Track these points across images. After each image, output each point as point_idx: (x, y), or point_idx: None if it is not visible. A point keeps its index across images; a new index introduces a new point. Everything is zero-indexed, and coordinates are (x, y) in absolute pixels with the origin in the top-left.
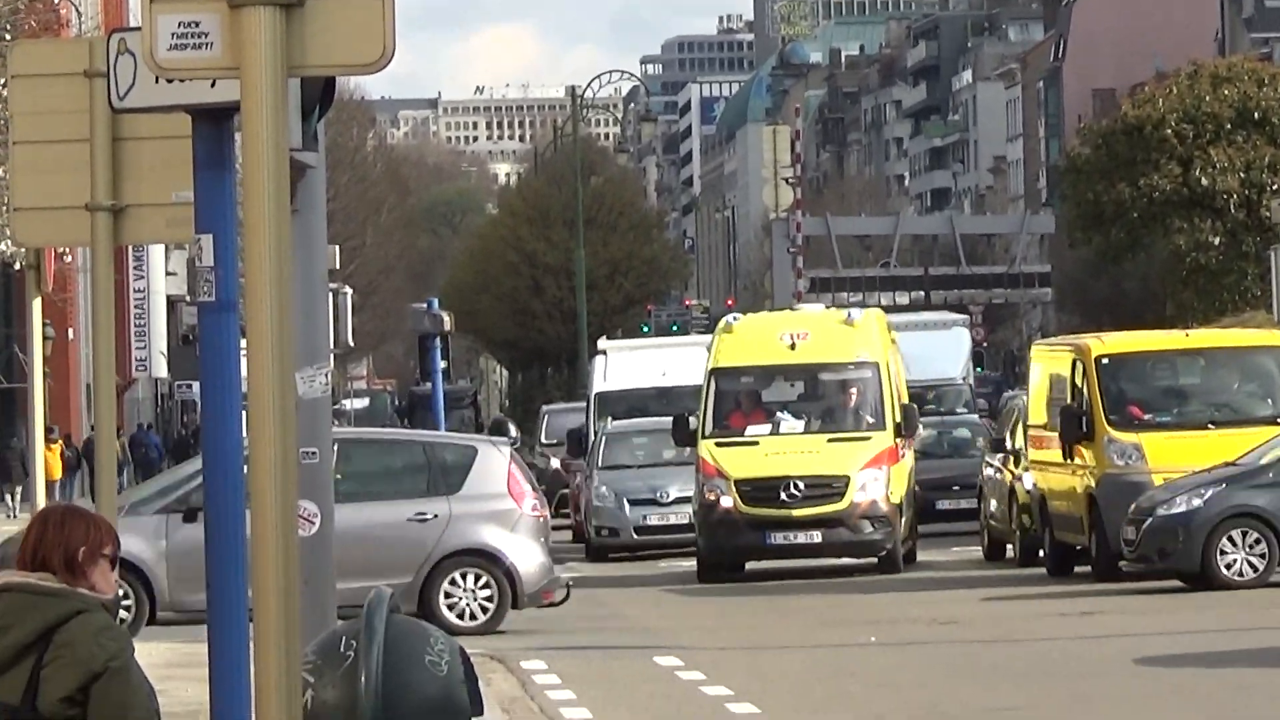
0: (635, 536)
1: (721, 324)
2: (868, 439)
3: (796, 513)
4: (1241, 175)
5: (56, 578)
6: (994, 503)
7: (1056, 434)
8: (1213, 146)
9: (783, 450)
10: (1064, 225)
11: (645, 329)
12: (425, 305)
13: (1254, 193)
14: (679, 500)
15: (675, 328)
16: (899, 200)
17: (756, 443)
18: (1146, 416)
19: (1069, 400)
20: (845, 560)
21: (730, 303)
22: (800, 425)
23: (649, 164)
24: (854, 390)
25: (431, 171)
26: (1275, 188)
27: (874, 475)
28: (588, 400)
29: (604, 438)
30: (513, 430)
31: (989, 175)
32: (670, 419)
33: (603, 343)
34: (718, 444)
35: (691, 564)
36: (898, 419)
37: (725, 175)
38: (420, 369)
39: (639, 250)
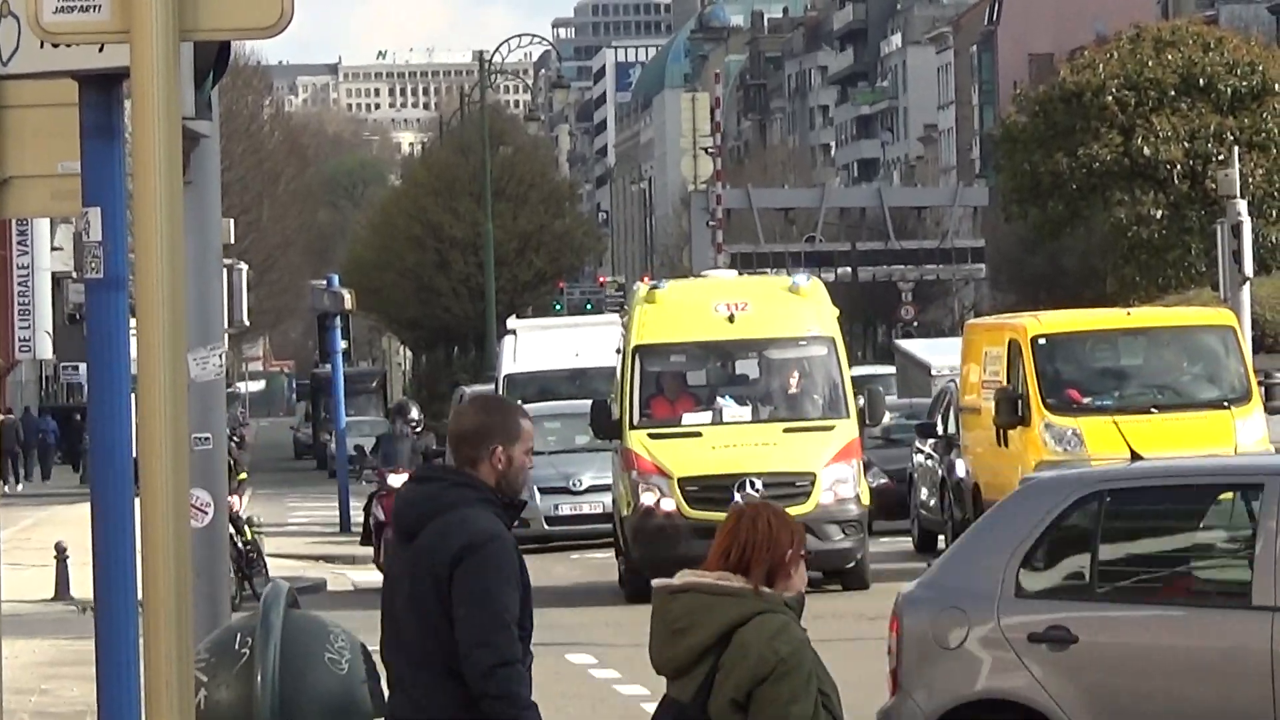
0: (546, 527)
1: (642, 291)
2: (830, 428)
3: None
4: (1186, 145)
5: (744, 579)
6: (924, 491)
7: (991, 418)
8: (1155, 114)
9: (733, 442)
10: (999, 198)
11: (557, 307)
12: (325, 282)
13: (1199, 163)
14: (593, 489)
15: (589, 306)
16: (824, 171)
17: (699, 434)
18: (1086, 400)
19: (1004, 383)
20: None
21: (646, 279)
22: (746, 413)
23: (561, 133)
24: (807, 371)
25: (331, 141)
26: (1221, 158)
27: (843, 472)
28: (496, 383)
29: None
30: (414, 413)
31: (919, 145)
32: (585, 403)
33: (512, 322)
34: (651, 435)
35: (606, 555)
36: (859, 404)
37: (641, 145)
38: (319, 350)
39: (550, 224)
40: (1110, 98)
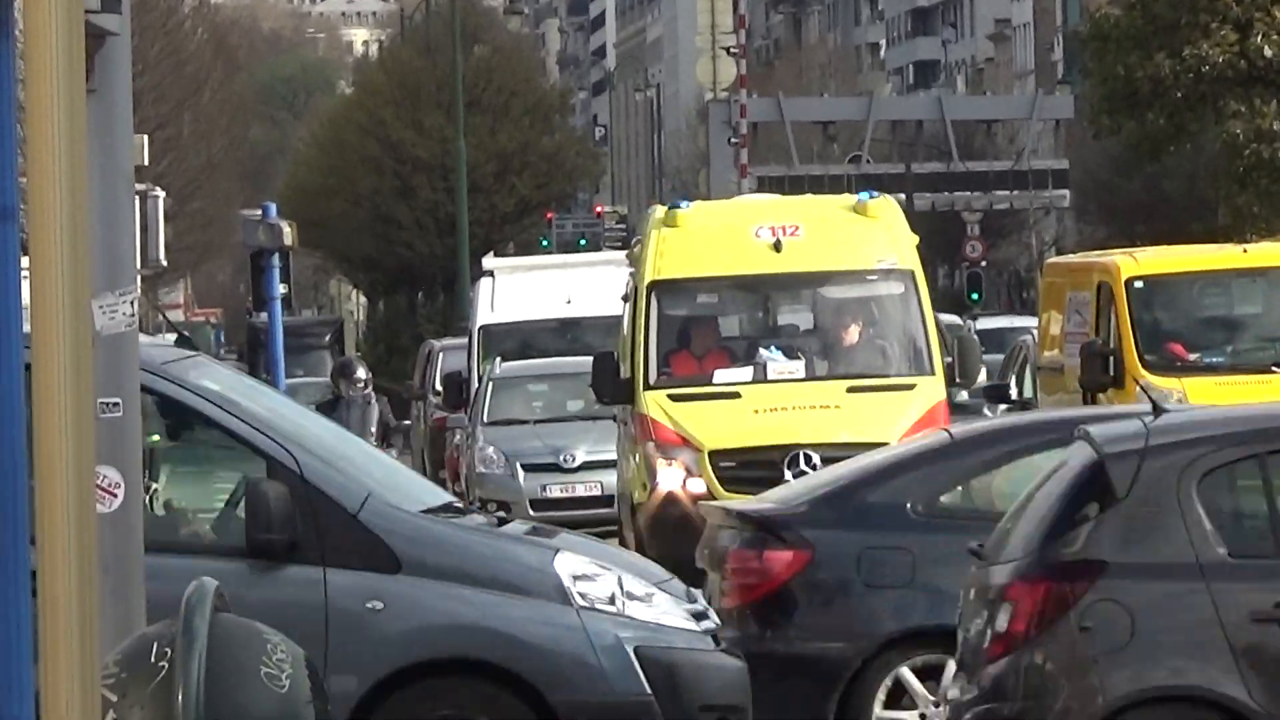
0: (531, 512)
1: (659, 213)
2: (909, 387)
3: None
4: None
5: None
6: None
7: (1076, 379)
8: (1278, 6)
9: (781, 405)
10: (1086, 109)
11: (544, 243)
12: (259, 213)
13: None
14: (588, 466)
15: (583, 242)
16: (873, 77)
17: (737, 394)
18: (1191, 356)
19: (1092, 335)
20: None
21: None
22: (798, 368)
23: (549, 29)
24: (878, 314)
25: (267, 40)
26: None
27: None
28: (469, 336)
29: (490, 384)
30: (361, 373)
31: (988, 44)
32: (578, 360)
33: (489, 261)
34: (673, 397)
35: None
36: (948, 357)
37: (648, 44)
38: (253, 295)
39: (536, 141)
40: None
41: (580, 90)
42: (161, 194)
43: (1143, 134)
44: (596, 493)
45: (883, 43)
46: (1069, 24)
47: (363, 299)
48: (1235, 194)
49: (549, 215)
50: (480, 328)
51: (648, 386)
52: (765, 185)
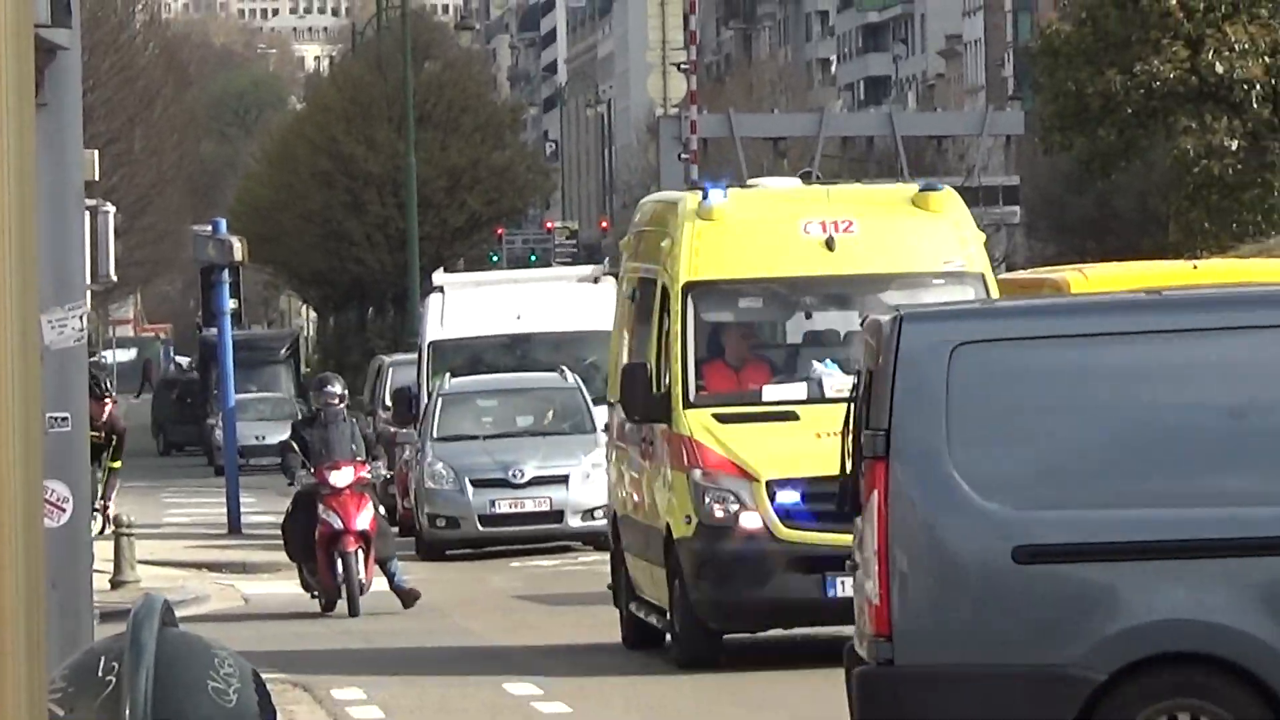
0: (480, 528)
1: (691, 203)
2: None
3: None
4: (1266, 60)
5: None
6: None
7: None
8: (1229, 23)
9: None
10: (1037, 125)
11: (494, 259)
12: (210, 228)
13: None
14: (537, 481)
15: (534, 258)
16: (823, 93)
17: (794, 415)
18: None
19: None
20: None
21: (604, 225)
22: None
23: (500, 45)
24: None
25: (219, 55)
26: None
27: None
28: (419, 351)
29: (440, 399)
30: (338, 387)
31: (939, 60)
32: (528, 376)
33: (439, 276)
34: (719, 418)
35: (554, 562)
36: None
37: (599, 60)
38: (203, 310)
39: (487, 157)
40: (1175, 1)
41: (531, 106)
42: (112, 209)
43: (1093, 150)
44: (545, 508)
45: (834, 59)
46: (1020, 40)
47: (313, 314)
48: (1186, 210)
49: (499, 231)
50: (430, 343)
51: (688, 404)
52: None
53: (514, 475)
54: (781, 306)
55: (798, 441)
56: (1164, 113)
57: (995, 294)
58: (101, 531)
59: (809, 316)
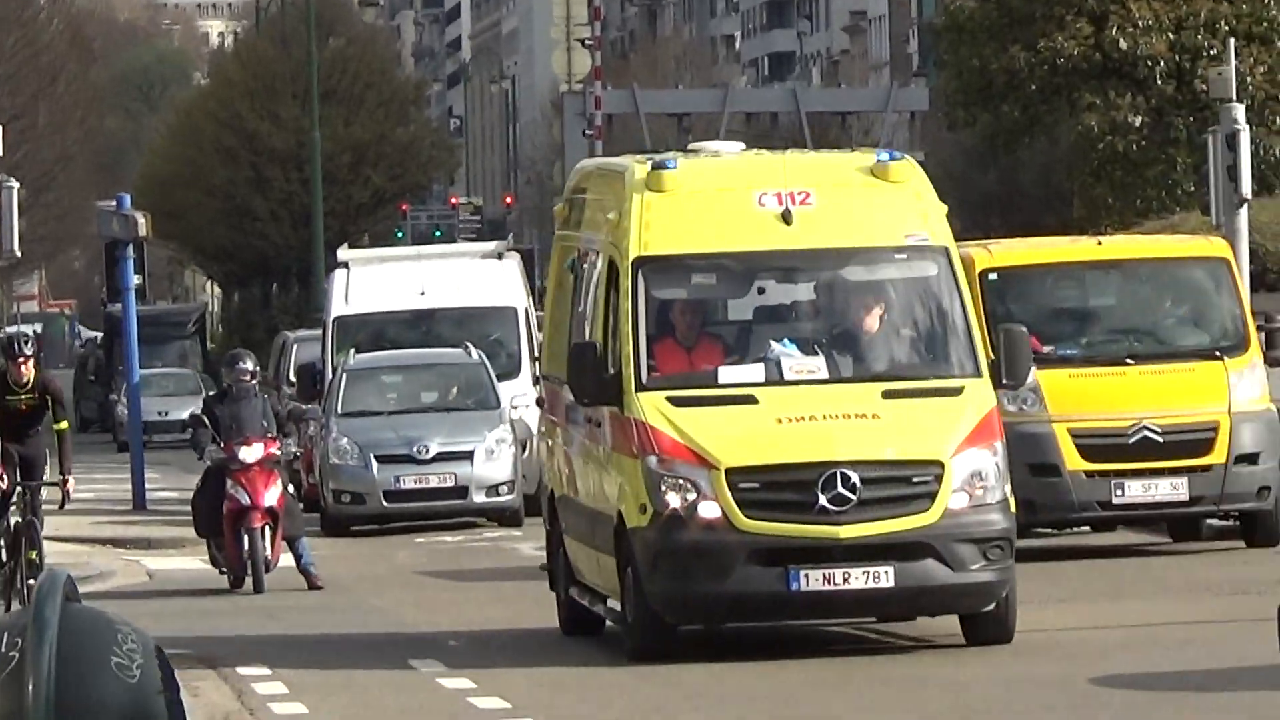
0: (385, 504)
1: (640, 173)
2: (957, 392)
3: (848, 530)
4: (1170, 36)
5: None
6: None
7: None
8: None
9: (809, 413)
10: (941, 101)
11: (399, 234)
12: (114, 204)
13: (1186, 59)
14: (442, 457)
15: (438, 233)
16: (728, 69)
17: (753, 399)
18: (1046, 349)
19: None
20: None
21: (508, 201)
22: (818, 365)
23: (404, 21)
24: (910, 301)
25: (124, 31)
26: (1213, 53)
27: (982, 461)
28: (324, 327)
29: (344, 375)
30: (251, 364)
31: (844, 37)
32: (432, 352)
33: (343, 252)
34: (674, 400)
35: (458, 539)
36: (991, 355)
37: (503, 36)
38: (107, 286)
39: (391, 133)
40: None
41: (435, 82)
42: (16, 185)
43: (998, 126)
44: (450, 484)
45: (738, 35)
46: (924, 16)
47: (217, 290)
48: (1090, 186)
49: (404, 207)
50: (334, 319)
51: (640, 387)
52: None
53: (419, 451)
54: (736, 283)
55: (758, 426)
56: (1068, 89)
57: (960, 269)
58: (61, 506)
59: (762, 293)
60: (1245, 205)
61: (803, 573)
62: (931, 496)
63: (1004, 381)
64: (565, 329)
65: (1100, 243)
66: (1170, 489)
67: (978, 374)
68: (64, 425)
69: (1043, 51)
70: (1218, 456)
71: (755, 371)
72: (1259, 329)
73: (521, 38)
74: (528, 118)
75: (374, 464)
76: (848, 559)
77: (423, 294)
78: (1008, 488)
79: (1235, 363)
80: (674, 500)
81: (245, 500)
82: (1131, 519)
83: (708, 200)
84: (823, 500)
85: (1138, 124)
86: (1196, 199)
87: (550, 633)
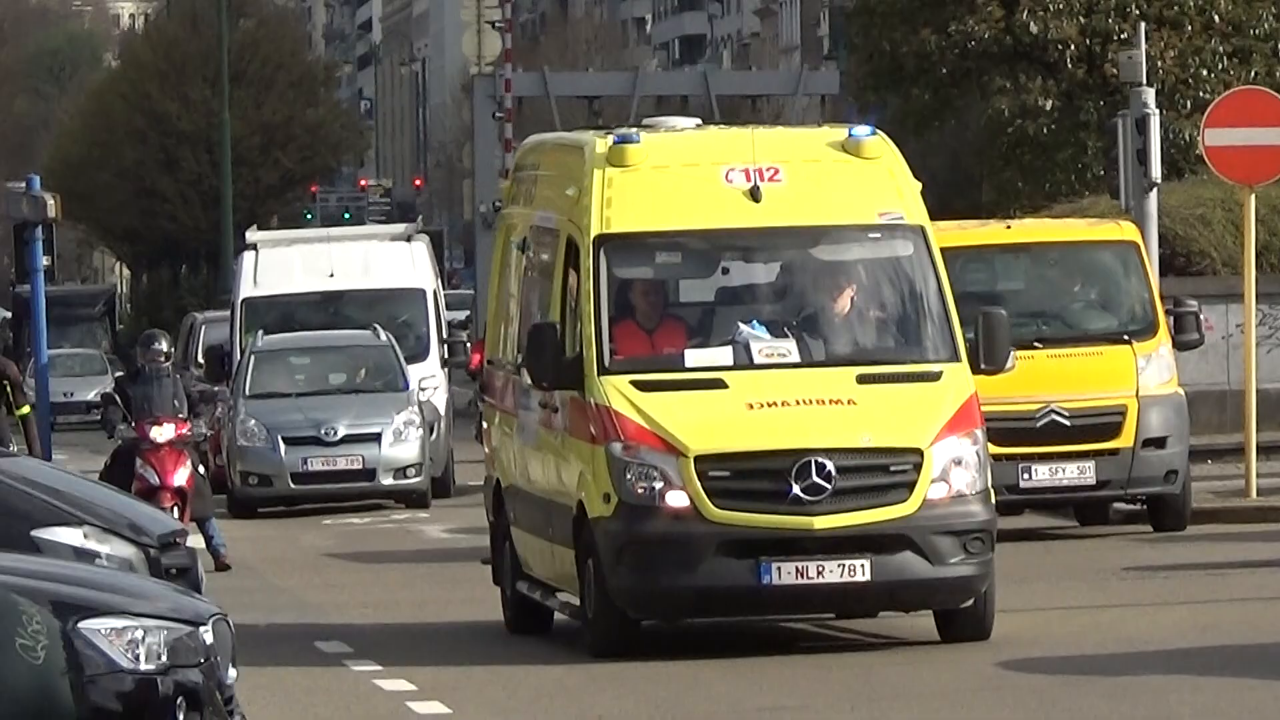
0: (292, 486)
1: (601, 147)
2: (935, 377)
3: (823, 521)
4: (1081, 20)
5: None
6: None
7: None
8: None
9: (781, 399)
10: (851, 84)
11: (309, 216)
12: (23, 185)
13: (1096, 43)
14: (350, 439)
15: (347, 215)
16: (639, 52)
17: (723, 383)
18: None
19: None
20: (885, 620)
21: (418, 183)
22: (790, 349)
23: (315, 3)
24: (884, 282)
25: (34, 12)
26: (1123, 36)
27: (962, 449)
28: (232, 309)
29: (252, 357)
30: (164, 344)
31: (755, 20)
32: (341, 334)
33: (252, 234)
34: (638, 385)
35: (366, 520)
36: (967, 336)
37: (414, 18)
38: (15, 268)
39: (301, 114)
40: None
41: (346, 64)
42: None
43: (908, 109)
44: (358, 466)
45: (649, 17)
46: (835, 0)
47: (126, 272)
48: (1000, 169)
49: (313, 188)
50: (243, 300)
51: (603, 370)
52: None
53: (326, 433)
54: (702, 262)
55: (728, 412)
56: (978, 72)
57: (936, 248)
58: None
59: (726, 273)
60: (1155, 189)
61: (775, 565)
62: (910, 486)
63: (983, 366)
64: (512, 311)
65: (1009, 226)
66: (1077, 473)
67: (956, 358)
68: (25, 410)
69: (953, 35)
70: (1125, 440)
71: (723, 355)
72: (1167, 313)
73: (432, 20)
74: (438, 100)
75: (281, 446)
76: (822, 551)
77: (331, 276)
78: (989, 478)
79: (1143, 347)
80: (640, 489)
81: (154, 480)
82: (1038, 503)
83: (673, 176)
84: (796, 490)
85: (1048, 108)
86: (1106, 182)
87: (491, 628)
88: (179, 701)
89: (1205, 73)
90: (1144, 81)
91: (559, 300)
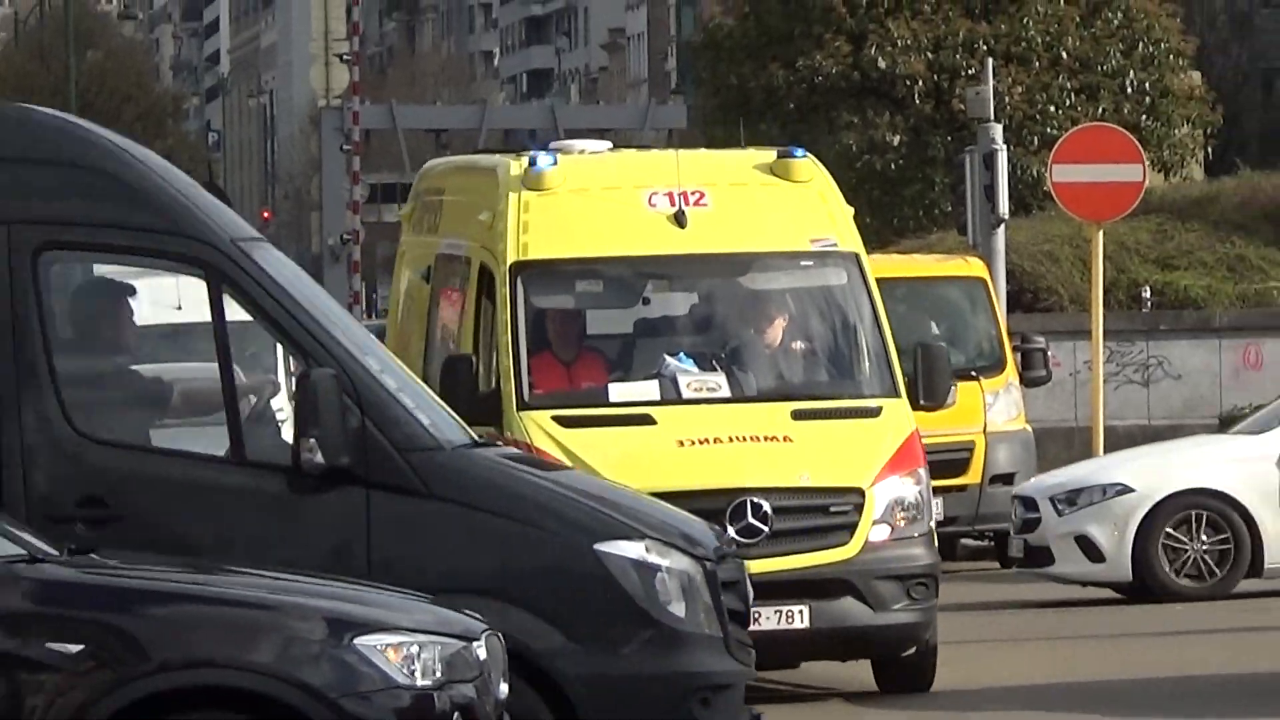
0: None
1: (515, 169)
2: (874, 413)
3: (759, 565)
4: (929, 56)
5: None
6: None
7: None
8: (892, 19)
9: (713, 435)
10: (699, 118)
11: None
12: None
13: (944, 79)
14: None
15: None
16: (486, 85)
17: (650, 419)
18: None
19: None
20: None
21: (266, 215)
22: (720, 383)
23: (163, 35)
24: (817, 312)
25: None
26: (971, 72)
27: (904, 489)
28: None
29: None
30: None
31: (602, 54)
32: (187, 367)
33: (99, 266)
34: (561, 420)
35: None
36: (906, 371)
37: (262, 50)
38: None
39: (149, 146)
40: None
41: (194, 96)
42: None
43: (755, 144)
44: None
45: (496, 51)
46: (683, 34)
47: None
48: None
49: None
50: None
51: (523, 405)
52: (378, 192)
53: None
54: (624, 291)
55: (658, 449)
56: (826, 107)
57: (871, 277)
58: None
59: (646, 303)
60: (1002, 225)
61: None
62: (851, 528)
63: (922, 401)
64: (415, 345)
65: None
66: None
67: (895, 393)
68: None
69: (801, 70)
70: (973, 477)
71: (650, 389)
72: (1015, 349)
73: (280, 52)
74: (286, 132)
75: None
76: (758, 597)
77: (179, 308)
78: (932, 519)
79: (991, 383)
80: None
81: None
82: None
83: (593, 200)
84: (731, 531)
85: (896, 143)
86: (953, 218)
87: None
88: (454, 717)
89: (1053, 109)
90: (992, 117)
91: (471, 332)
